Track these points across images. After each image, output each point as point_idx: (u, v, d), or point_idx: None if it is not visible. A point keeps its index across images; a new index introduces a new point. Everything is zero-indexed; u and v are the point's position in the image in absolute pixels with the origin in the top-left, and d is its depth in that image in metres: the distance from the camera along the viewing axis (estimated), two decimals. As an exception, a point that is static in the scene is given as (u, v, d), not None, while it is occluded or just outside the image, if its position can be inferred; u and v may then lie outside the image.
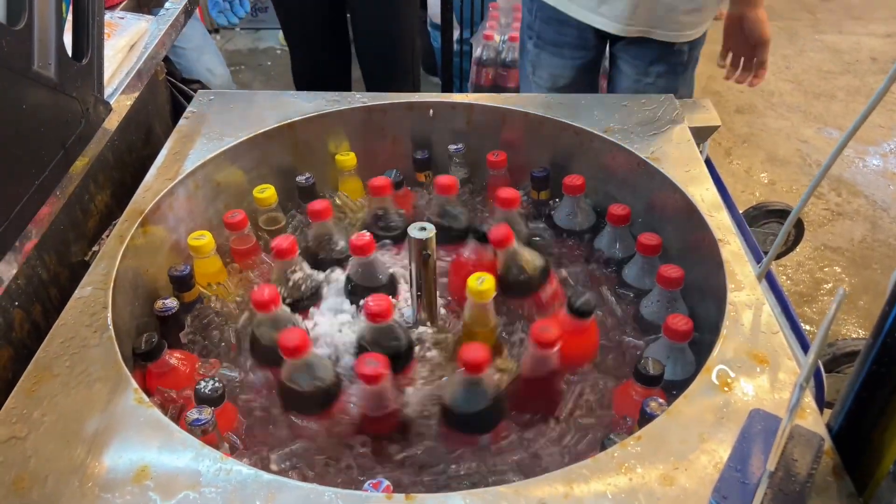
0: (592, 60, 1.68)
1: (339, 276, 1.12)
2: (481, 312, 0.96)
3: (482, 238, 1.05)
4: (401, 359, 0.96)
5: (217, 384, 0.88)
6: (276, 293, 0.93)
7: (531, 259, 1.06)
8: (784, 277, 2.55)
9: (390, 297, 1.06)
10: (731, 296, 0.92)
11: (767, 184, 3.05)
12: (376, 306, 0.91)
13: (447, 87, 2.76)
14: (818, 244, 2.72)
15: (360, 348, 0.97)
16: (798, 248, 2.66)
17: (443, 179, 1.14)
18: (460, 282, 1.00)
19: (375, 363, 0.84)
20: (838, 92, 3.65)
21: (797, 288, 2.51)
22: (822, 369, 0.90)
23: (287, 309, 0.98)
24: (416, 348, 1.00)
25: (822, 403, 0.87)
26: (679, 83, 1.63)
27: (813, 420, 0.76)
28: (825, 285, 2.54)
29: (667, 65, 1.60)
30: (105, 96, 1.09)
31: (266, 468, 0.87)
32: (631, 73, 1.63)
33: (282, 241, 1.03)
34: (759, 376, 0.82)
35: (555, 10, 1.61)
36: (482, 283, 0.92)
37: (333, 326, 1.04)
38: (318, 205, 1.11)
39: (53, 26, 0.86)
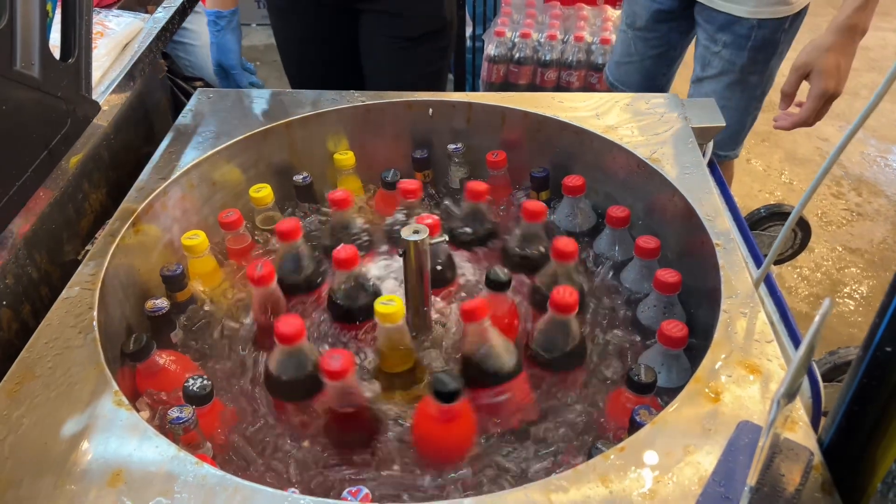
0: (668, 12, 1.73)
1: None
2: (392, 335, 0.93)
3: (495, 285, 0.96)
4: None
5: (206, 382, 0.87)
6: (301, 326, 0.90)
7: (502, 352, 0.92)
8: (800, 279, 2.51)
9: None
10: (726, 302, 0.89)
11: (786, 183, 3.00)
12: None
13: (459, 84, 2.75)
14: (837, 245, 2.66)
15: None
16: (816, 249, 2.62)
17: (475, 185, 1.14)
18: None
19: (339, 357, 0.83)
20: (862, 90, 3.57)
21: (813, 290, 2.46)
22: (820, 379, 0.87)
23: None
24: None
25: (818, 415, 0.84)
26: (744, 61, 1.62)
27: (803, 433, 0.74)
28: (843, 288, 2.49)
29: (732, 35, 1.60)
30: (95, 95, 1.09)
31: (249, 471, 0.86)
32: (702, 37, 1.68)
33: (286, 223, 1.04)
34: (750, 386, 0.79)
35: None
36: (388, 306, 0.89)
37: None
38: (286, 224, 1.05)
39: (37, 26, 0.86)
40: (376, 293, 1.04)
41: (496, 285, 0.95)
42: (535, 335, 0.96)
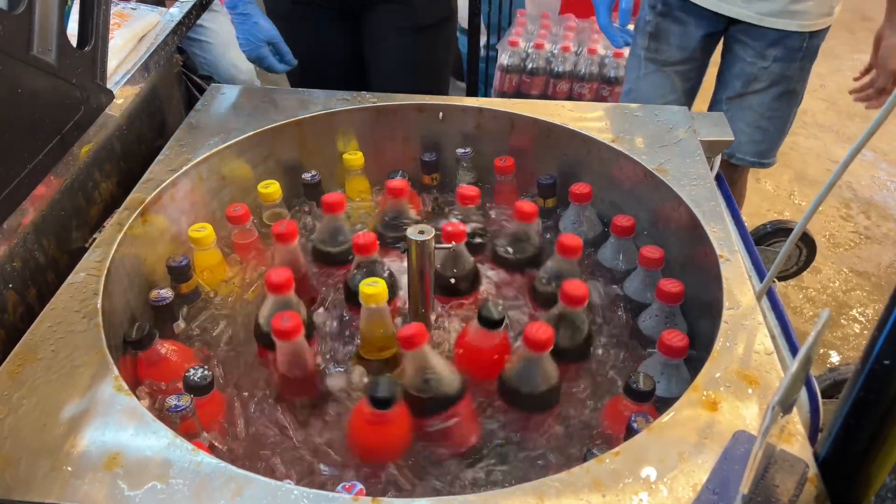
0: (713, 35, 1.75)
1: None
2: (376, 317, 0.94)
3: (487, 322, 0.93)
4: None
5: (207, 372, 0.88)
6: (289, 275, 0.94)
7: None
8: (806, 300, 2.50)
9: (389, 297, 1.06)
10: (727, 314, 0.89)
11: (795, 204, 2.99)
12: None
13: (472, 92, 2.76)
14: (844, 267, 2.65)
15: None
16: (823, 271, 2.61)
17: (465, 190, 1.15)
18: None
19: (289, 319, 0.85)
20: (874, 113, 3.56)
21: (819, 311, 2.45)
22: (819, 394, 0.87)
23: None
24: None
25: (816, 430, 0.84)
26: (793, 72, 1.68)
27: (800, 446, 0.74)
28: (849, 310, 2.48)
29: (784, 49, 1.65)
30: (110, 85, 1.10)
31: (245, 462, 0.87)
32: (747, 55, 1.70)
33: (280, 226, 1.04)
34: (748, 398, 0.79)
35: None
36: (372, 286, 0.90)
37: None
38: (331, 197, 1.11)
39: (55, 12, 0.87)
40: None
41: (488, 323, 0.91)
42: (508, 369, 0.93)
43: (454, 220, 1.06)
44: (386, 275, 1.06)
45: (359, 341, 1.00)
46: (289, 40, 1.64)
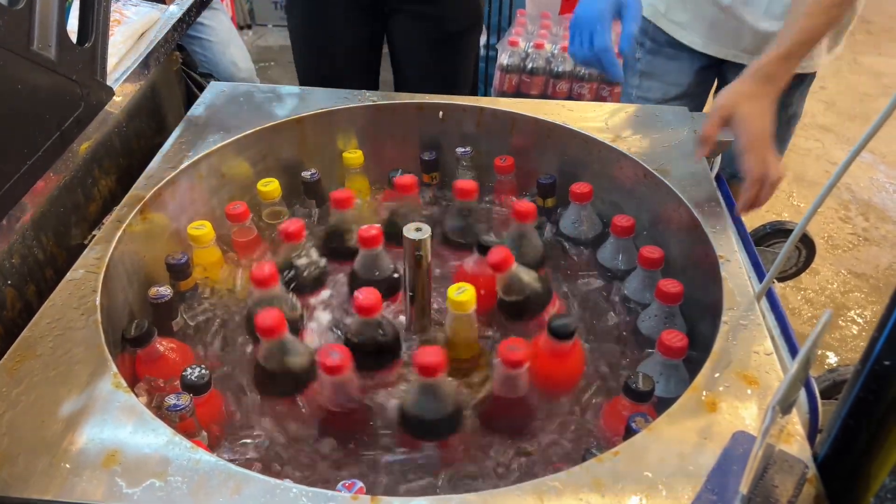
0: (708, 67, 1.63)
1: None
2: (461, 324, 0.95)
3: (485, 251, 1.01)
4: (386, 354, 0.96)
5: (204, 371, 0.88)
6: (274, 271, 0.95)
7: (531, 282, 1.01)
8: (804, 301, 2.50)
9: (391, 294, 1.06)
10: (727, 314, 0.90)
11: (794, 205, 3.00)
12: (365, 300, 0.90)
13: (471, 92, 2.75)
14: (842, 269, 2.66)
15: (347, 341, 0.96)
16: (822, 272, 2.61)
17: (462, 184, 1.14)
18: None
19: (338, 354, 0.83)
20: (874, 115, 3.50)
21: (817, 312, 2.46)
22: (818, 395, 0.86)
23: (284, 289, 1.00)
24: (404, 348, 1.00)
25: (815, 431, 0.84)
26: (794, 98, 1.59)
27: (799, 447, 0.74)
28: (847, 312, 2.48)
29: (797, 89, 1.58)
30: (110, 81, 1.10)
31: (247, 461, 0.87)
32: None
33: (289, 225, 1.04)
34: (747, 398, 0.79)
35: (668, 35, 1.59)
36: (461, 294, 0.90)
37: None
38: (340, 194, 1.11)
39: (55, 8, 0.87)
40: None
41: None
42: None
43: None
44: (392, 270, 1.07)
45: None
46: (307, 21, 1.63)
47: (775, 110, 1.13)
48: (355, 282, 1.06)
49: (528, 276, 1.00)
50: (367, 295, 0.91)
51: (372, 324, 0.94)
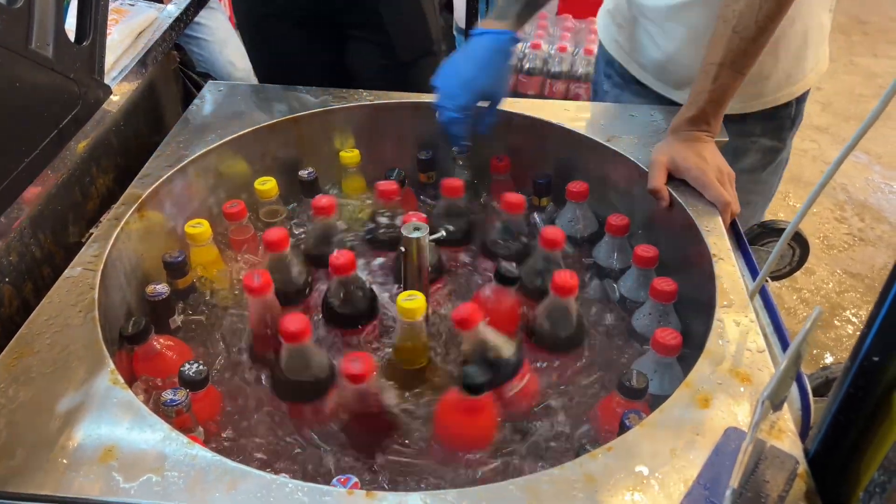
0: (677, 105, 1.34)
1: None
2: (409, 333, 0.94)
3: (504, 279, 0.98)
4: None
5: (202, 367, 0.88)
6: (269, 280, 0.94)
7: (499, 347, 0.92)
8: (800, 301, 2.51)
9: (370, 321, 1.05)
10: (720, 312, 0.90)
11: (791, 206, 3.01)
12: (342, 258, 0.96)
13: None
14: (838, 269, 2.67)
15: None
16: (817, 272, 2.62)
17: (449, 182, 1.15)
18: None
19: (360, 362, 0.84)
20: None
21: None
22: (810, 392, 0.87)
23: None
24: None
25: (807, 428, 0.84)
26: (784, 141, 1.42)
27: (790, 442, 0.75)
28: (842, 311, 2.50)
29: (774, 120, 1.38)
30: (107, 80, 1.10)
31: (240, 456, 0.87)
32: (729, 130, 1.38)
33: (272, 233, 1.03)
34: (739, 395, 0.80)
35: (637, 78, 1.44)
36: (410, 301, 0.90)
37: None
38: (322, 200, 1.11)
39: (54, 7, 0.87)
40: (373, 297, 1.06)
41: (504, 280, 0.97)
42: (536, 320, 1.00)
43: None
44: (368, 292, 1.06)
45: (391, 351, 1.00)
46: (264, 56, 1.62)
47: (714, 147, 1.15)
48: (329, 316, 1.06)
49: (496, 340, 0.92)
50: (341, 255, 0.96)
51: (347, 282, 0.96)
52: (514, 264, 0.99)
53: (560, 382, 0.99)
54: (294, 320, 0.87)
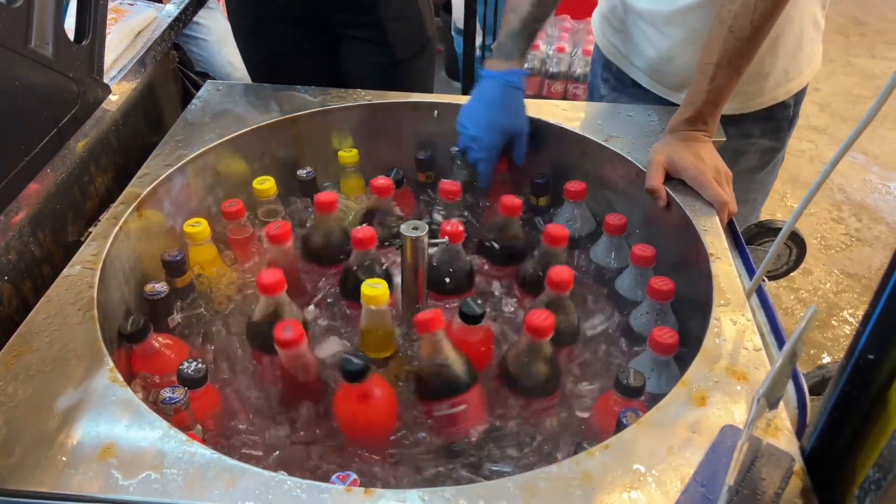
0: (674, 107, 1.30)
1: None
2: (373, 319, 0.95)
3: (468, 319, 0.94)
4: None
5: (201, 365, 0.88)
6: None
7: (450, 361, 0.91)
8: (797, 301, 2.52)
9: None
10: (717, 311, 0.91)
11: (787, 206, 3.02)
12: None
13: (467, 92, 2.77)
14: (835, 269, 2.67)
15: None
16: (815, 272, 2.63)
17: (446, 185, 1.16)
18: None
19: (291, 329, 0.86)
20: (866, 116, 3.58)
21: (810, 312, 2.47)
22: (806, 391, 0.88)
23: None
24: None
25: (803, 426, 0.85)
26: (782, 140, 1.41)
27: (786, 440, 0.75)
28: (840, 312, 2.50)
29: (772, 122, 1.39)
30: (106, 79, 1.10)
31: (238, 454, 0.87)
32: (728, 131, 1.39)
33: (273, 227, 1.05)
34: (736, 393, 0.80)
35: (630, 76, 1.44)
36: (373, 288, 0.91)
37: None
38: (324, 196, 1.11)
39: (53, 7, 0.88)
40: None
41: (469, 319, 0.93)
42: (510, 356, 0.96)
43: (454, 220, 1.07)
44: (383, 271, 1.07)
45: (358, 339, 1.01)
46: (258, 57, 1.61)
47: (711, 147, 1.16)
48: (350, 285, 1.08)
49: (451, 354, 0.90)
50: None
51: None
52: (478, 301, 0.94)
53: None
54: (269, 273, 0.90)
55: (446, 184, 1.17)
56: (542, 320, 0.88)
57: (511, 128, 1.25)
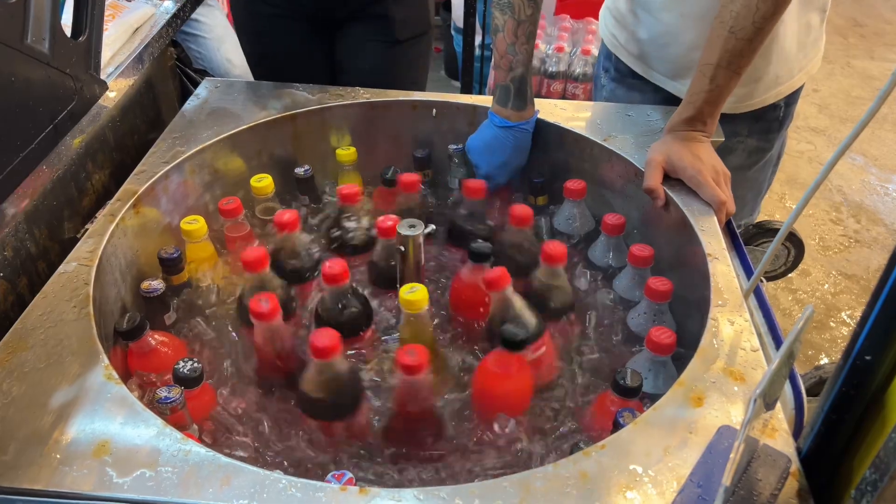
0: (674, 100, 1.36)
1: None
2: (413, 324, 0.95)
3: (477, 257, 0.99)
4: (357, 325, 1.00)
5: (196, 365, 0.88)
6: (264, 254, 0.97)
7: (524, 311, 0.96)
8: (795, 302, 2.52)
9: (366, 328, 1.03)
10: (714, 311, 0.90)
11: (786, 207, 3.01)
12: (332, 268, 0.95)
13: (466, 91, 2.76)
14: (833, 270, 2.67)
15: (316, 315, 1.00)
16: (813, 273, 2.63)
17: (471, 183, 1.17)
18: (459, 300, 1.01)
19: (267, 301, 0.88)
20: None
21: (808, 313, 2.47)
22: (804, 392, 0.88)
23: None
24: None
25: (800, 427, 0.85)
26: (772, 141, 1.42)
27: (783, 441, 0.75)
28: (838, 313, 2.50)
29: (763, 122, 1.39)
30: (103, 76, 1.10)
31: (234, 453, 0.87)
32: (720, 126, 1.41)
33: (282, 214, 1.06)
34: (733, 394, 0.80)
35: (632, 71, 1.44)
36: (412, 293, 0.91)
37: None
38: (285, 215, 1.06)
39: (49, 2, 0.87)
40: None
41: (478, 256, 0.99)
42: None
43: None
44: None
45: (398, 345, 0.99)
46: (262, 51, 1.61)
47: (710, 147, 1.16)
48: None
49: (520, 304, 0.96)
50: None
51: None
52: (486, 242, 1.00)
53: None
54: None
55: (471, 182, 1.17)
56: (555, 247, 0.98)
57: (520, 164, 1.30)
